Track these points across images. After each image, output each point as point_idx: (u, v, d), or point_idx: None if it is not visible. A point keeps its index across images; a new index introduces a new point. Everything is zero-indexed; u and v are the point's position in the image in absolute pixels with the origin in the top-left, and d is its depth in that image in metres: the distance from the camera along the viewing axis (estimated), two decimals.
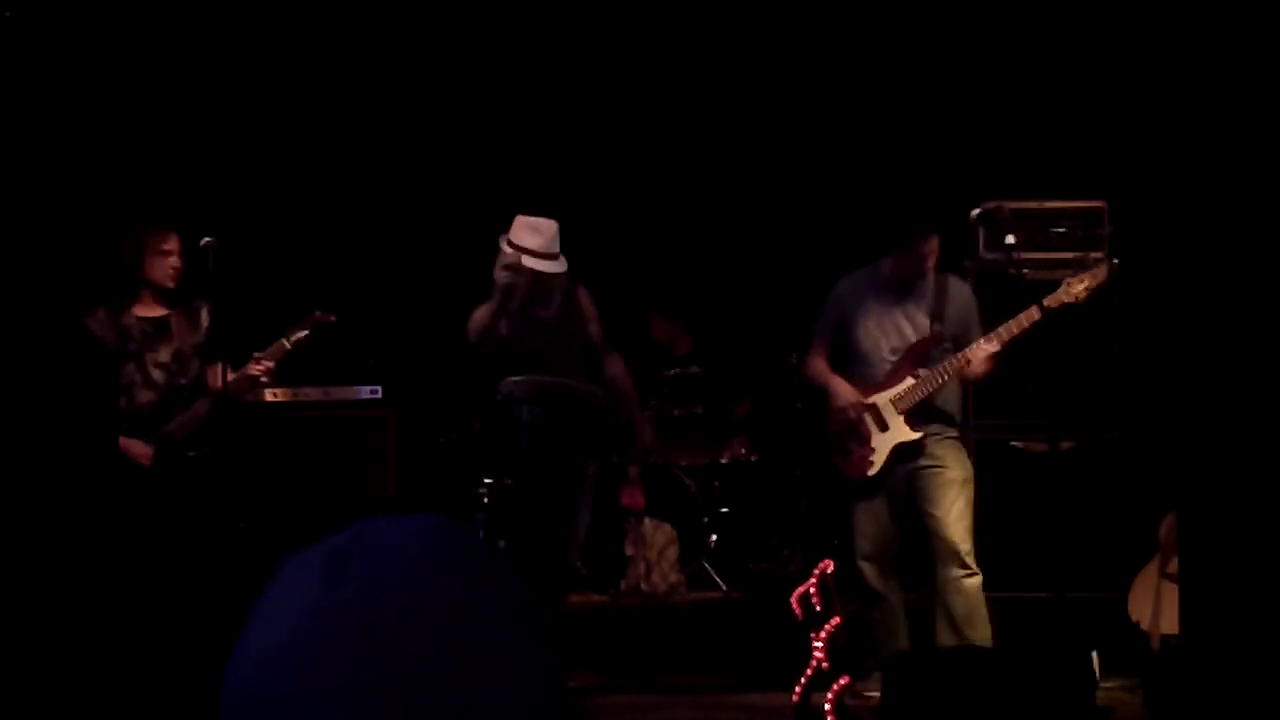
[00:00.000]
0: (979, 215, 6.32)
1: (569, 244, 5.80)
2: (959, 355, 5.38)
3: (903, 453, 5.47)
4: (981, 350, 5.31)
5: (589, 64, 8.15)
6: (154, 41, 7.24)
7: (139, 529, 5.23)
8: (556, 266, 5.69)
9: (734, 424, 8.21)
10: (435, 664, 0.87)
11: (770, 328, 8.21)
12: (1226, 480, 4.14)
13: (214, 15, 7.49)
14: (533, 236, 5.66)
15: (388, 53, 7.99)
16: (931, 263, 5.50)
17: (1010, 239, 5.54)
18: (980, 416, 6.18)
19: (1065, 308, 5.23)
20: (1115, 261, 6.17)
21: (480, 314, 5.75)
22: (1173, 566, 5.50)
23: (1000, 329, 5.30)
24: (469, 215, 8.00)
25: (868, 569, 5.55)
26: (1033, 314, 5.23)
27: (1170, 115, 4.73)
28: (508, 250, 5.65)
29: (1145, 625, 5.69)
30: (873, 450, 5.49)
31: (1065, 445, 5.74)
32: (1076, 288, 5.24)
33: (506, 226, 5.75)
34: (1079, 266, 5.55)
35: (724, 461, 8.07)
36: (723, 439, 8.15)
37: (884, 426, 5.48)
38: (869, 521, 5.55)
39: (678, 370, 8.18)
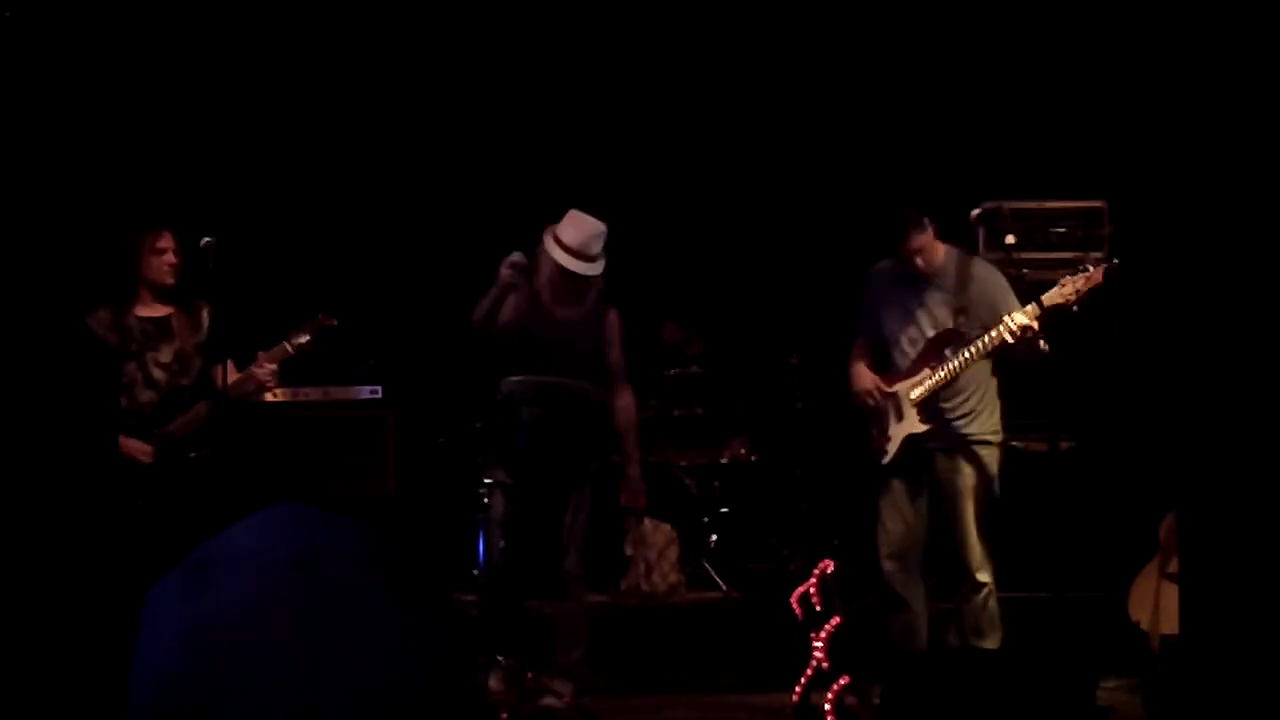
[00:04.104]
0: (979, 215, 6.32)
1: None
2: (975, 344, 5.26)
3: (916, 445, 5.42)
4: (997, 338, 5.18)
5: (599, 69, 8.15)
6: (154, 42, 7.25)
7: (139, 529, 5.23)
8: (585, 268, 5.55)
9: (734, 424, 8.21)
10: (307, 661, 0.88)
11: (770, 328, 8.22)
12: (1226, 480, 4.14)
13: (213, 15, 7.49)
14: (572, 232, 5.56)
15: (389, 52, 7.99)
16: (920, 255, 5.41)
17: (1010, 239, 5.53)
18: None
19: (1058, 309, 5.15)
20: (1115, 261, 6.17)
21: (481, 304, 5.66)
22: (1173, 566, 5.49)
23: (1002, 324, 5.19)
24: (470, 216, 8.02)
25: (889, 567, 5.46)
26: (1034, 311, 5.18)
27: (1170, 115, 4.73)
28: (548, 241, 5.57)
29: (1145, 625, 5.69)
30: (889, 439, 5.47)
31: (1065, 445, 5.74)
32: (1068, 289, 5.18)
33: (517, 227, 5.74)
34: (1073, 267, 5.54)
35: (724, 461, 8.07)
36: (723, 439, 8.15)
37: (900, 416, 5.45)
38: (892, 517, 5.47)
39: (678, 370, 8.19)
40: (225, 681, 0.91)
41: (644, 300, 8.34)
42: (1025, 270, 5.55)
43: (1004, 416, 5.54)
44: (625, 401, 5.87)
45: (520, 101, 8.22)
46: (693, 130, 8.35)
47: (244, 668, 0.91)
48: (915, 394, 5.41)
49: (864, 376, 5.55)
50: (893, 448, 5.45)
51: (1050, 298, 5.16)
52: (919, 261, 5.44)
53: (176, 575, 0.97)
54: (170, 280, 5.54)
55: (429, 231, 8.17)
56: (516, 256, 5.55)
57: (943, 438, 5.41)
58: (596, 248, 5.57)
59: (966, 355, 5.29)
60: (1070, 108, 7.26)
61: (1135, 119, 6.43)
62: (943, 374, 5.36)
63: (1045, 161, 7.01)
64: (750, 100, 8.25)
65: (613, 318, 5.76)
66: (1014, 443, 6.20)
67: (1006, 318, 5.17)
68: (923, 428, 5.41)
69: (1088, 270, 5.19)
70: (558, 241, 5.55)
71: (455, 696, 0.97)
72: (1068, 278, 5.19)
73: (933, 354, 5.43)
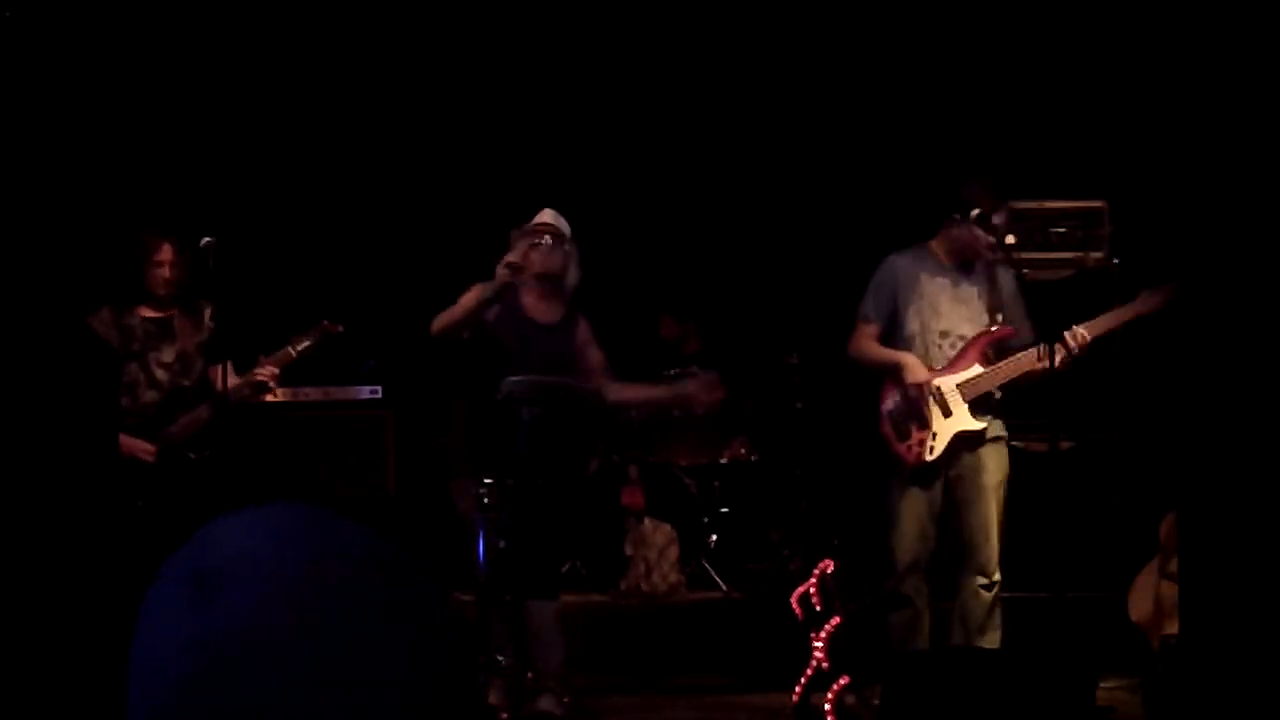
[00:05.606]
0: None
1: (583, 247, 5.75)
2: (1067, 343, 5.11)
3: (960, 443, 5.30)
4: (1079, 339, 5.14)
5: (599, 68, 8.16)
6: (155, 42, 7.25)
7: (139, 529, 5.23)
8: (564, 225, 5.59)
9: (734, 424, 8.22)
10: (316, 673, 0.87)
11: (770, 328, 8.22)
12: (1226, 480, 4.14)
13: (215, 15, 7.49)
14: (537, 215, 5.62)
15: (390, 54, 7.99)
16: (970, 247, 5.35)
17: (1010, 239, 5.53)
18: None
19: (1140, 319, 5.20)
20: (1115, 261, 6.18)
21: (463, 305, 5.55)
22: (1173, 566, 5.50)
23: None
24: (471, 217, 8.01)
25: (906, 573, 5.39)
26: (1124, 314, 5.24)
27: (1170, 115, 4.73)
28: (517, 236, 5.56)
29: (1145, 625, 5.69)
30: (933, 435, 5.29)
31: (1065, 445, 5.73)
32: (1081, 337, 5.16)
33: (510, 227, 5.72)
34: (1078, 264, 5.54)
35: (724, 461, 8.07)
36: (723, 439, 8.15)
37: (947, 412, 5.28)
38: (911, 522, 5.37)
39: (678, 369, 8.19)
40: (229, 685, 0.90)
41: (641, 296, 8.36)
42: (1025, 270, 5.54)
43: (1004, 416, 5.54)
44: (621, 387, 5.83)
45: (519, 102, 8.22)
46: (692, 127, 8.36)
47: (247, 671, 0.90)
48: (969, 391, 5.28)
49: (920, 367, 5.31)
50: (940, 445, 5.28)
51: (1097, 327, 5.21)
52: (968, 254, 5.39)
53: (176, 577, 0.96)
54: (162, 292, 5.54)
55: (430, 232, 8.17)
56: (514, 256, 5.52)
57: (983, 435, 5.36)
58: (563, 225, 5.59)
59: (1031, 361, 5.22)
60: (1070, 108, 7.27)
61: (1135, 119, 6.43)
62: (1000, 377, 5.28)
63: (1045, 161, 7.01)
64: (751, 97, 8.25)
65: (584, 323, 5.75)
66: (1014, 443, 6.20)
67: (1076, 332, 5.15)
68: (978, 425, 5.28)
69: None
70: (540, 224, 5.56)
71: (459, 699, 0.96)
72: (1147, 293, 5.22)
73: (982, 350, 5.34)
